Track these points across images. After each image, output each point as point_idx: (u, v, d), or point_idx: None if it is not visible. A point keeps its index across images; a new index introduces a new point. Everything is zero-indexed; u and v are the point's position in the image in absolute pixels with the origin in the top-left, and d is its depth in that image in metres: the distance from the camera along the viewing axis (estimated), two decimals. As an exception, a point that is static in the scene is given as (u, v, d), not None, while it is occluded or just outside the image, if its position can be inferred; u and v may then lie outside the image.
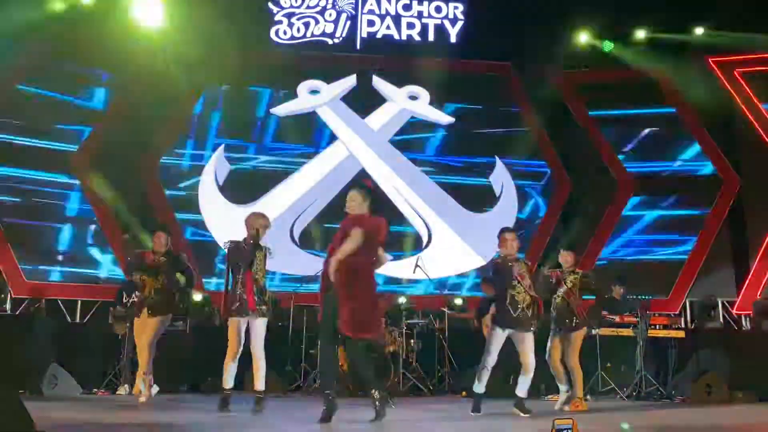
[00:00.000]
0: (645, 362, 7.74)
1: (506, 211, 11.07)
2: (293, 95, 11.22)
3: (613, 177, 11.10)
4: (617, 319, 8.05)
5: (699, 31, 11.02)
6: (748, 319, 9.88)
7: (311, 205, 10.72)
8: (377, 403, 4.62)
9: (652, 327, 7.99)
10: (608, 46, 11.27)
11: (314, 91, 11.30)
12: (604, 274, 9.00)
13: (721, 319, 9.91)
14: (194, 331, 8.46)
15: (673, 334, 8.11)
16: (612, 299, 8.33)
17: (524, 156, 11.22)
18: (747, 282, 10.38)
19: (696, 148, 11.12)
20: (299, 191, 10.78)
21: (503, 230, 5.87)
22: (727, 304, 10.32)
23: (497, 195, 11.11)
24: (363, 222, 4.79)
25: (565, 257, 6.56)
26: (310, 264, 9.15)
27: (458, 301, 9.82)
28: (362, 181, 5.57)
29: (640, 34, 11.14)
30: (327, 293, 4.76)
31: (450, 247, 10.81)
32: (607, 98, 11.19)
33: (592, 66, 11.42)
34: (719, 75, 11.13)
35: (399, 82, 11.43)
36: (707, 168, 11.06)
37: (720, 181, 10.89)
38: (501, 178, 11.17)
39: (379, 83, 11.44)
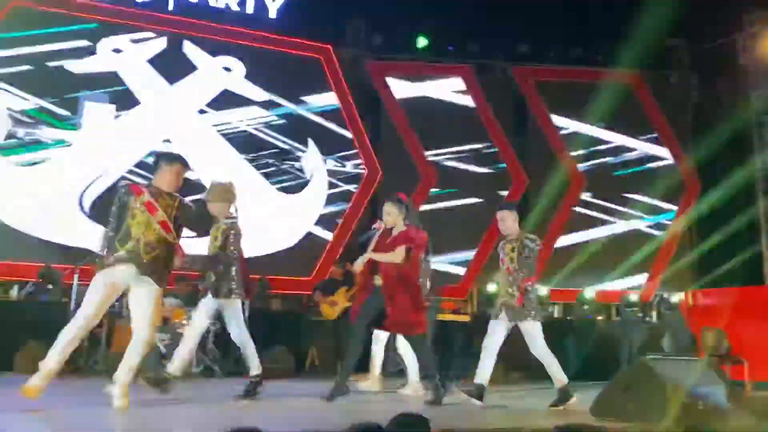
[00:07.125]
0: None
1: (317, 194, 11.08)
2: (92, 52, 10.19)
3: (418, 169, 11.49)
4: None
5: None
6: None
7: (105, 175, 9.78)
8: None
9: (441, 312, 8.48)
10: (423, 41, 11.69)
11: (117, 50, 10.35)
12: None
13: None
14: None
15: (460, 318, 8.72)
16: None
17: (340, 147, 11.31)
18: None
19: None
20: (90, 157, 9.80)
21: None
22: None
23: (308, 179, 11.06)
24: (413, 239, 5.32)
25: None
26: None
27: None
28: (396, 195, 5.57)
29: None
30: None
31: (256, 227, 10.51)
32: (417, 93, 11.57)
33: (405, 58, 11.70)
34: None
35: (213, 52, 10.89)
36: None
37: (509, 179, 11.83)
38: (312, 162, 11.12)
39: (190, 50, 10.79)
